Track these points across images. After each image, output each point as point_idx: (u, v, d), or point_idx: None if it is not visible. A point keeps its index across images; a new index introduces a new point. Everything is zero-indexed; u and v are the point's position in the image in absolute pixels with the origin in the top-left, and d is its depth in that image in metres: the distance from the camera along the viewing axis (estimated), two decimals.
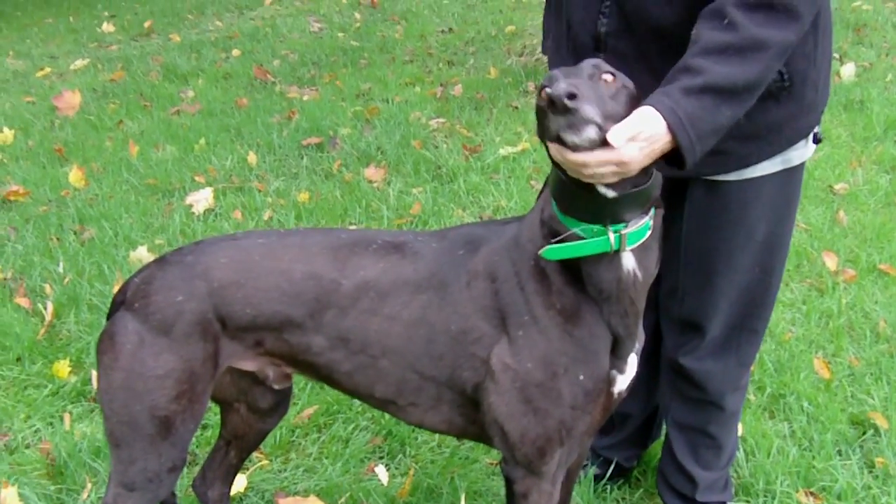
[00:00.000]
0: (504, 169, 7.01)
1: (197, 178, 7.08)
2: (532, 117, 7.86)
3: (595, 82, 2.27)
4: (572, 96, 2.10)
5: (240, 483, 3.72)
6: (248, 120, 8.29)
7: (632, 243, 2.40)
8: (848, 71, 8.75)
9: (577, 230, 2.39)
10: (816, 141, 2.98)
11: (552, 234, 2.46)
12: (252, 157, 7.40)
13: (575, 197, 2.38)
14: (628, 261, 2.45)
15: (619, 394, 2.72)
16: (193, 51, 11.17)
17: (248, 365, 2.87)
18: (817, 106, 2.91)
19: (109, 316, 2.82)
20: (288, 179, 7.08)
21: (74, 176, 7.14)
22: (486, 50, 10.22)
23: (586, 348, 2.54)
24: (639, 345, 2.73)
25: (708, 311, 3.17)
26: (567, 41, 3.02)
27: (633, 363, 2.71)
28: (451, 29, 11.40)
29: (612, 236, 2.36)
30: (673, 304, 3.26)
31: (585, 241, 2.38)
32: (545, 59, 9.13)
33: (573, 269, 2.48)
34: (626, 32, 2.80)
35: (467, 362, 2.63)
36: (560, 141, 2.19)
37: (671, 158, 2.36)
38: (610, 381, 2.64)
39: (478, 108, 8.44)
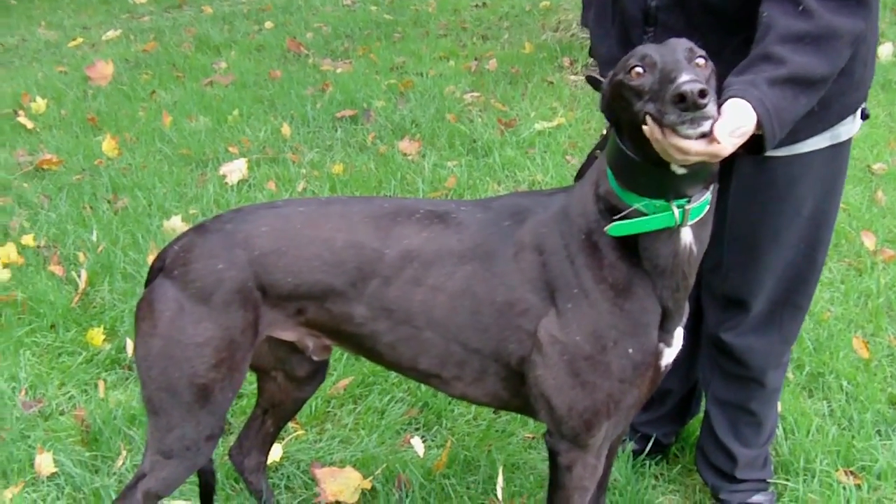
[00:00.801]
0: (539, 144, 6.97)
1: (230, 149, 7.07)
2: (568, 92, 7.88)
3: (693, 68, 2.26)
4: (704, 94, 2.09)
5: (276, 453, 3.71)
6: (282, 92, 8.26)
7: (693, 218, 2.39)
8: (886, 51, 8.67)
9: (639, 206, 2.37)
10: (864, 117, 2.97)
11: (609, 209, 2.44)
12: (286, 129, 7.38)
13: (641, 173, 2.36)
14: (686, 235, 2.43)
15: (666, 367, 2.71)
16: (226, 22, 11.13)
17: (288, 335, 2.86)
18: (865, 81, 2.90)
19: (148, 283, 2.82)
20: (322, 151, 7.06)
21: (108, 145, 7.15)
22: (521, 25, 10.14)
23: (637, 322, 2.52)
24: (684, 319, 2.71)
25: (753, 287, 3.16)
26: (613, 14, 3.00)
27: (679, 337, 2.70)
28: (484, 3, 11.29)
29: (676, 211, 2.35)
30: (715, 280, 3.24)
31: (651, 217, 2.37)
32: (581, 34, 9.07)
33: (627, 244, 2.46)
34: (676, 6, 2.78)
35: (513, 335, 2.61)
36: (672, 129, 2.16)
37: (747, 144, 2.35)
38: (658, 355, 2.62)
39: (512, 82, 8.38)
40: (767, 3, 2.49)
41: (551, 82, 8.32)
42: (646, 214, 2.37)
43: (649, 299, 2.52)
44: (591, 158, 2.75)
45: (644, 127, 2.23)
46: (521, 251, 2.59)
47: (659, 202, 2.35)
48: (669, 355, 2.68)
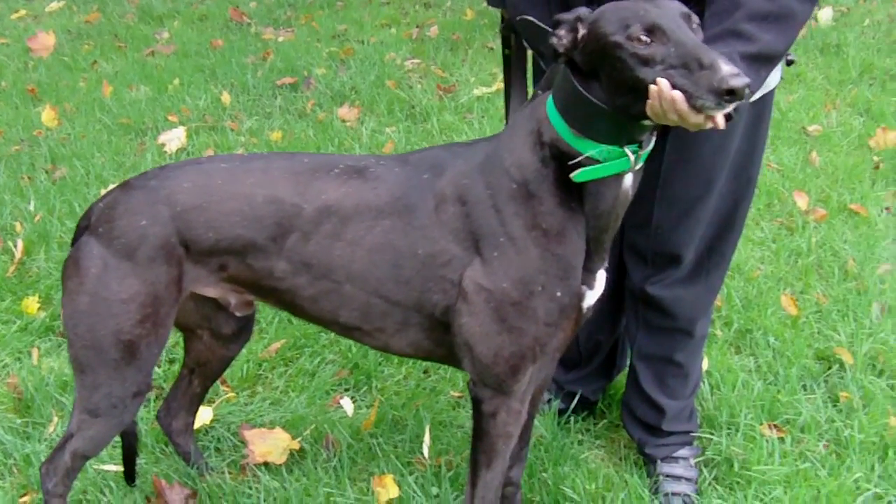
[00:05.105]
0: (478, 108, 7.00)
1: (170, 118, 7.05)
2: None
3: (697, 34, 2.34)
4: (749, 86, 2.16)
5: (206, 415, 3.73)
6: (223, 61, 8.24)
7: (641, 162, 2.49)
8: (826, 15, 8.80)
9: (592, 153, 2.43)
10: (789, 63, 3.00)
11: (556, 156, 2.49)
12: (226, 97, 7.38)
13: (604, 121, 2.41)
14: (628, 180, 2.52)
15: (588, 309, 2.76)
16: None
17: (211, 291, 2.89)
18: None
19: (74, 241, 2.84)
20: (261, 119, 7.07)
21: (47, 116, 7.10)
22: None
23: (567, 265, 2.58)
24: (606, 262, 2.76)
25: (686, 240, 3.22)
26: None
27: (601, 279, 2.75)
28: None
29: (631, 156, 2.43)
30: (641, 238, 3.27)
31: (612, 162, 2.45)
32: None
33: (569, 190, 2.52)
34: None
35: (437, 285, 2.66)
36: (695, 107, 2.21)
37: None
38: (580, 297, 2.67)
39: (453, 49, 8.40)
40: None
41: (491, 48, 8.32)
42: (598, 161, 2.44)
43: (580, 242, 2.58)
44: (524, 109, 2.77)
45: (652, 87, 2.24)
46: (442, 203, 2.63)
47: (612, 148, 2.42)
48: (591, 297, 2.73)
